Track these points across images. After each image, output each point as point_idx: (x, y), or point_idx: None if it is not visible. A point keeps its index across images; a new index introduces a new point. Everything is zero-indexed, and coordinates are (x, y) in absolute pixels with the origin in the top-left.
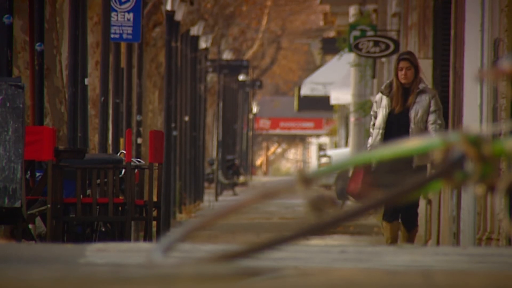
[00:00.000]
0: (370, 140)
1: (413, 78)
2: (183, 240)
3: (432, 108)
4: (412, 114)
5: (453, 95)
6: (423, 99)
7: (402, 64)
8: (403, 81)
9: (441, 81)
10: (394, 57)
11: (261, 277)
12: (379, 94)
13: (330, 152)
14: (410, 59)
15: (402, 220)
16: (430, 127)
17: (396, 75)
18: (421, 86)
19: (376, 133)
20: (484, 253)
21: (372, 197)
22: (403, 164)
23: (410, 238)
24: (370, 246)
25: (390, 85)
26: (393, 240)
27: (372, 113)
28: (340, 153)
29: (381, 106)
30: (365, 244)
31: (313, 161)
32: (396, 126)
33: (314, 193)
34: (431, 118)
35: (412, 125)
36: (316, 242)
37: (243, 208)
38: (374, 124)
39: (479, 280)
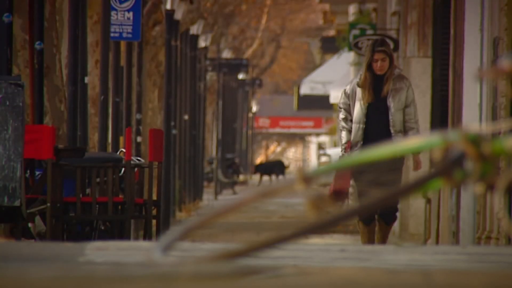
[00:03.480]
0: (344, 135)
1: (388, 67)
2: (183, 239)
3: (409, 100)
4: (390, 102)
5: (452, 94)
6: (400, 87)
7: (378, 56)
8: (378, 72)
9: (441, 80)
10: (367, 48)
11: (261, 276)
12: (351, 87)
13: (330, 151)
14: (386, 50)
15: (381, 213)
16: (408, 125)
17: (370, 65)
18: (396, 71)
19: (356, 127)
20: (483, 252)
21: (371, 197)
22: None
23: (386, 232)
24: (370, 245)
25: (365, 77)
26: (370, 242)
27: (342, 106)
28: (340, 152)
29: (356, 99)
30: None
31: (312, 160)
32: (375, 117)
33: (314, 192)
34: (409, 112)
35: (392, 110)
36: (315, 241)
37: (242, 206)
38: (346, 118)
39: (479, 279)
